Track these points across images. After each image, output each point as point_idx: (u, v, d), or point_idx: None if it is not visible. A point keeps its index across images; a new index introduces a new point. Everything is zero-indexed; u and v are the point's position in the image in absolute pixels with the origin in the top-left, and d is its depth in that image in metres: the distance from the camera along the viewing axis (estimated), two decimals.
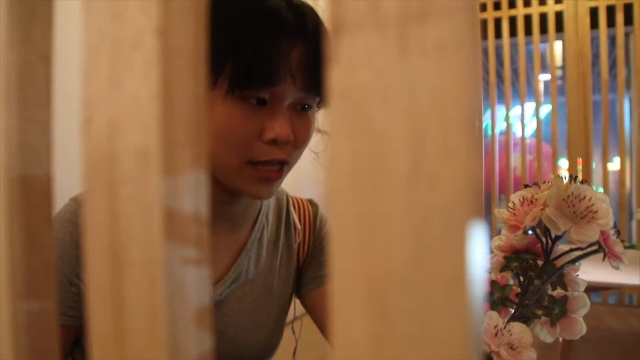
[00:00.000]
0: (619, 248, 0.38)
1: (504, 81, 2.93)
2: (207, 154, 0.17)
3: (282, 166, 0.53)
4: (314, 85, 0.51)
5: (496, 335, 0.38)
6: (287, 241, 0.65)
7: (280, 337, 0.65)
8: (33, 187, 0.20)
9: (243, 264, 0.60)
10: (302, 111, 0.53)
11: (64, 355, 0.56)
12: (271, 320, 0.63)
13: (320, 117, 0.59)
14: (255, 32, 0.48)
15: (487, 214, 2.67)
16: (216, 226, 0.58)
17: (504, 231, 0.41)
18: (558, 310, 0.40)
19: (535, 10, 2.86)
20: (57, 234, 0.53)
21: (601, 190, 2.69)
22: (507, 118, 2.93)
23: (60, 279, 0.52)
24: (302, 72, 0.50)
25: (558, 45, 2.98)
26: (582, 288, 0.41)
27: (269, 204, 0.65)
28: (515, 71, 3.05)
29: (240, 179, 0.51)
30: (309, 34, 0.51)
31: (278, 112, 0.50)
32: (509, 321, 0.39)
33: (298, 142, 0.53)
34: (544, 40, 2.90)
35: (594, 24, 2.71)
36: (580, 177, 0.39)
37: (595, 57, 2.87)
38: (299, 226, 0.66)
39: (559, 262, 0.40)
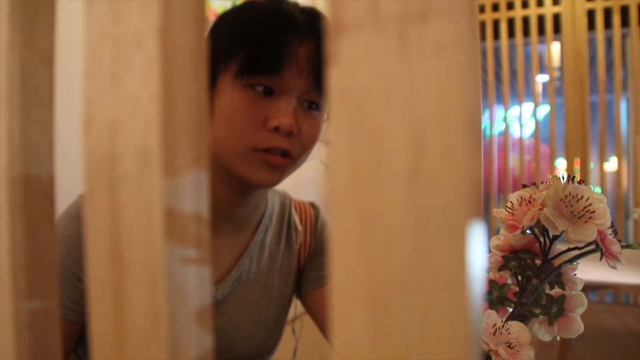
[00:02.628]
0: (616, 247, 0.38)
1: (503, 82, 2.93)
2: (208, 154, 0.17)
3: (285, 157, 0.53)
4: (320, 81, 0.53)
5: (494, 334, 0.38)
6: (288, 242, 0.66)
7: (279, 337, 0.65)
8: (35, 187, 0.20)
9: (245, 264, 0.61)
10: (309, 109, 0.54)
11: (67, 350, 0.56)
12: (270, 320, 0.63)
13: (325, 129, 0.59)
14: (267, 26, 0.51)
15: (486, 214, 2.68)
16: (220, 227, 0.58)
17: (502, 231, 0.41)
18: (556, 309, 0.40)
19: (533, 12, 2.86)
20: (65, 229, 0.53)
21: (598, 190, 2.69)
22: (505, 119, 2.94)
23: (67, 275, 0.52)
24: (309, 65, 0.52)
25: (556, 47, 2.98)
26: (580, 287, 0.41)
27: (273, 206, 0.65)
28: (513, 72, 3.05)
29: (246, 164, 0.52)
30: (319, 35, 0.52)
31: (283, 102, 0.51)
32: (507, 320, 0.39)
33: (303, 138, 0.53)
34: (541, 42, 2.91)
35: (591, 25, 2.72)
36: (577, 177, 0.40)
37: (593, 58, 2.88)
38: (299, 228, 0.66)
39: (556, 262, 0.40)
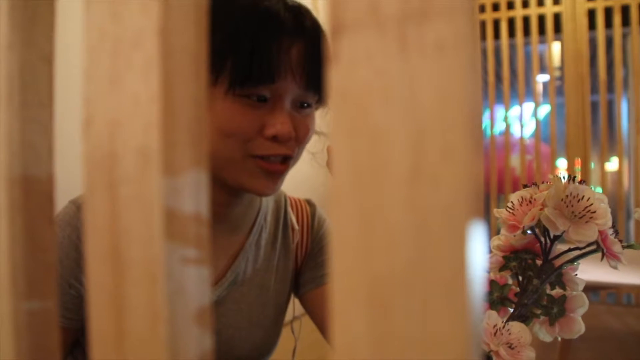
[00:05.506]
0: (617, 248, 0.38)
1: (503, 82, 2.93)
2: (207, 154, 0.17)
3: (287, 161, 0.53)
4: (313, 83, 0.52)
5: (495, 334, 0.38)
6: (285, 242, 0.65)
7: (277, 337, 0.65)
8: (34, 187, 0.20)
9: (241, 265, 0.60)
10: (302, 109, 0.54)
11: (62, 356, 0.56)
12: (268, 320, 0.62)
13: (318, 118, 0.59)
14: (254, 30, 0.48)
15: (486, 214, 2.68)
16: (214, 229, 0.58)
17: (503, 231, 0.41)
18: (557, 310, 0.40)
19: (533, 11, 2.86)
20: (55, 236, 0.53)
21: (599, 190, 2.69)
22: (505, 118, 2.94)
23: (59, 282, 0.52)
24: (302, 69, 0.51)
25: (556, 46, 2.98)
26: (581, 287, 0.41)
27: (267, 205, 0.65)
28: (514, 72, 3.05)
29: (245, 172, 0.51)
30: (308, 33, 0.51)
31: (279, 109, 0.51)
32: (507, 320, 0.39)
33: (300, 138, 0.53)
34: (542, 41, 2.91)
35: (592, 25, 2.72)
36: (578, 177, 0.40)
37: (593, 57, 2.88)
38: (296, 227, 0.66)
39: (557, 262, 0.40)
